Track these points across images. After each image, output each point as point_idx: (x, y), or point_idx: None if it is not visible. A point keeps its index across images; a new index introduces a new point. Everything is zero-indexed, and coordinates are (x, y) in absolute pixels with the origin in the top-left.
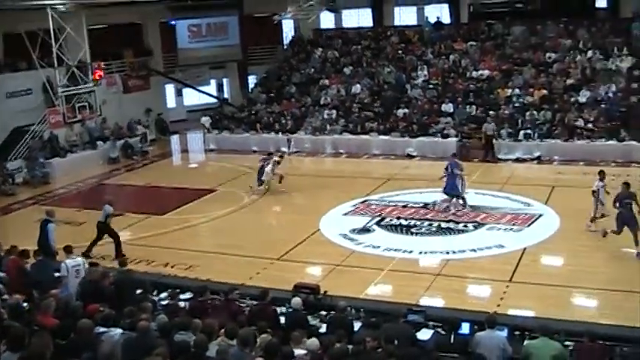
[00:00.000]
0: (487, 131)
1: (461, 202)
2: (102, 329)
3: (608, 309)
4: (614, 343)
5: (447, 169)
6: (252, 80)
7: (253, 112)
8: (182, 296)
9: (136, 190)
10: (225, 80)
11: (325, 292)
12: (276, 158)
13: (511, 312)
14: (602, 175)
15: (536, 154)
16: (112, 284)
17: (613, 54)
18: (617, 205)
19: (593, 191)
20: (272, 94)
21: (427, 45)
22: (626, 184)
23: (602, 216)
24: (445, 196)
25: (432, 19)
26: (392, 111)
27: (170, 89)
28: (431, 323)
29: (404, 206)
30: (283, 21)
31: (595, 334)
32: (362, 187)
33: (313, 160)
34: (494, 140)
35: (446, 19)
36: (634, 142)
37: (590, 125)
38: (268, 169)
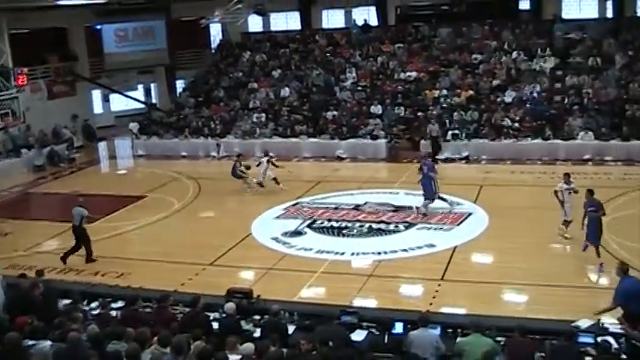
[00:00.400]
0: (432, 132)
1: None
2: (31, 342)
3: (537, 304)
4: (544, 337)
5: (421, 169)
6: (180, 85)
7: (182, 116)
8: (113, 305)
9: (63, 198)
10: (152, 85)
11: (258, 296)
12: (266, 159)
13: (443, 310)
14: (566, 177)
15: (465, 153)
16: (41, 295)
17: (537, 55)
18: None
19: (555, 191)
20: (200, 99)
21: (355, 47)
22: (590, 192)
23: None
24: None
25: (360, 22)
26: (321, 113)
27: (97, 95)
28: (364, 324)
29: (335, 208)
30: (211, 25)
31: (525, 328)
32: (293, 190)
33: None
34: (438, 141)
35: (373, 22)
36: (559, 141)
37: (516, 124)
38: (261, 169)
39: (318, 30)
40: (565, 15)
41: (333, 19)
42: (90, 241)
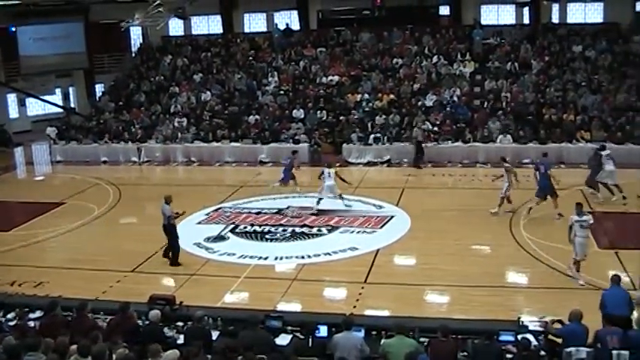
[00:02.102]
0: (418, 137)
1: None
2: None
3: (459, 304)
4: (466, 337)
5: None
6: (99, 89)
7: (101, 121)
8: (31, 315)
9: None
10: (71, 89)
11: (181, 302)
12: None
13: (367, 312)
14: (578, 207)
15: (386, 157)
16: None
17: (456, 59)
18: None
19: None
20: (121, 103)
21: (277, 51)
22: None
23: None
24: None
25: (282, 26)
26: (243, 118)
27: (12, 99)
28: (289, 328)
29: (258, 213)
30: (131, 28)
31: (448, 329)
32: (215, 195)
33: (164, 169)
34: (422, 145)
35: (295, 26)
36: (478, 144)
37: (436, 128)
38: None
39: (239, 34)
40: (484, 21)
41: (254, 22)
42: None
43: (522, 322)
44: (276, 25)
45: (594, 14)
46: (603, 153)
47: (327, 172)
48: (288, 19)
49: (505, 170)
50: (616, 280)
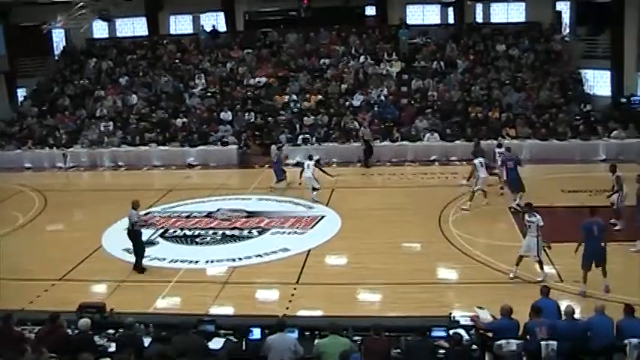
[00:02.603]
0: (365, 136)
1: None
2: None
3: (392, 302)
4: (399, 334)
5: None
6: (21, 93)
7: (24, 126)
8: None
9: None
10: None
11: (112, 309)
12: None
13: (300, 313)
14: (528, 207)
15: (316, 157)
16: None
17: (383, 59)
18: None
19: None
20: (44, 108)
21: (204, 53)
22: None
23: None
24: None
25: (208, 28)
26: (170, 121)
27: None
28: (222, 332)
29: (187, 216)
30: (53, 31)
31: (381, 327)
32: (143, 200)
33: (91, 174)
34: (371, 144)
35: (222, 28)
36: (406, 143)
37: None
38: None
39: (165, 36)
40: (409, 21)
41: (180, 24)
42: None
43: (454, 317)
44: (203, 26)
45: (517, 14)
46: (497, 150)
47: (306, 164)
48: (214, 21)
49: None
50: (545, 291)
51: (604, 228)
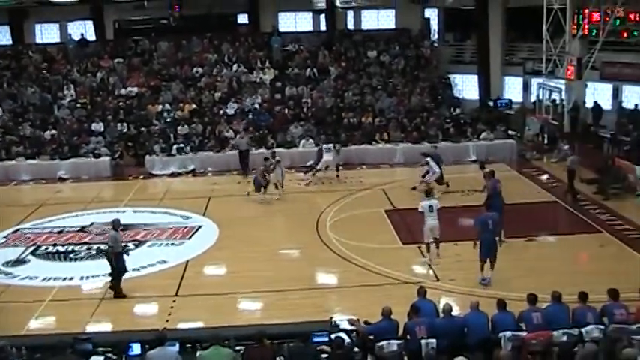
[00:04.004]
0: (240, 146)
1: None
2: None
3: (273, 309)
4: (282, 341)
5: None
6: None
7: None
8: None
9: None
10: None
11: None
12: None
13: (180, 326)
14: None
15: (191, 167)
16: None
17: (256, 67)
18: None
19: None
20: None
21: (72, 63)
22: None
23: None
24: None
25: (76, 37)
26: (39, 133)
27: None
28: (100, 349)
29: (60, 232)
30: None
31: (264, 334)
32: (12, 217)
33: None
34: (247, 155)
35: (91, 37)
36: (281, 149)
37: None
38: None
39: (31, 45)
40: (282, 28)
41: (47, 33)
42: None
43: (335, 321)
44: (70, 35)
45: (387, 21)
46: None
47: (325, 148)
48: (83, 30)
49: (426, 163)
50: (422, 292)
51: (498, 222)
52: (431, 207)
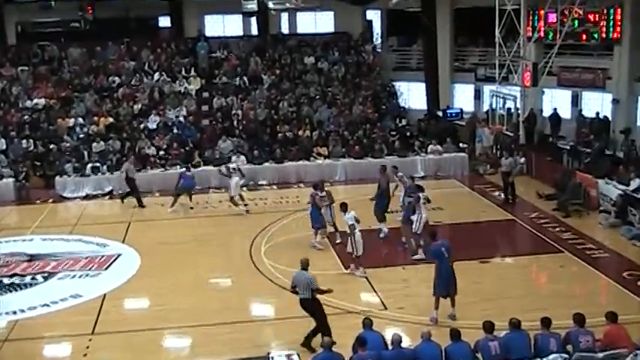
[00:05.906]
0: (128, 172)
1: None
2: None
3: (201, 345)
4: None
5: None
6: None
7: None
8: None
9: None
10: None
11: None
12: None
13: None
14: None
15: (108, 188)
16: None
17: (180, 76)
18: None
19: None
20: None
21: None
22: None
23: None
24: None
25: None
26: None
27: None
28: None
29: None
30: None
31: None
32: None
33: None
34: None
35: None
36: (210, 167)
37: (162, 152)
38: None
39: None
40: (209, 32)
41: None
42: None
43: (272, 357)
44: None
45: (325, 24)
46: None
47: (224, 171)
48: None
49: (398, 179)
50: (368, 323)
51: (449, 247)
52: (357, 218)
